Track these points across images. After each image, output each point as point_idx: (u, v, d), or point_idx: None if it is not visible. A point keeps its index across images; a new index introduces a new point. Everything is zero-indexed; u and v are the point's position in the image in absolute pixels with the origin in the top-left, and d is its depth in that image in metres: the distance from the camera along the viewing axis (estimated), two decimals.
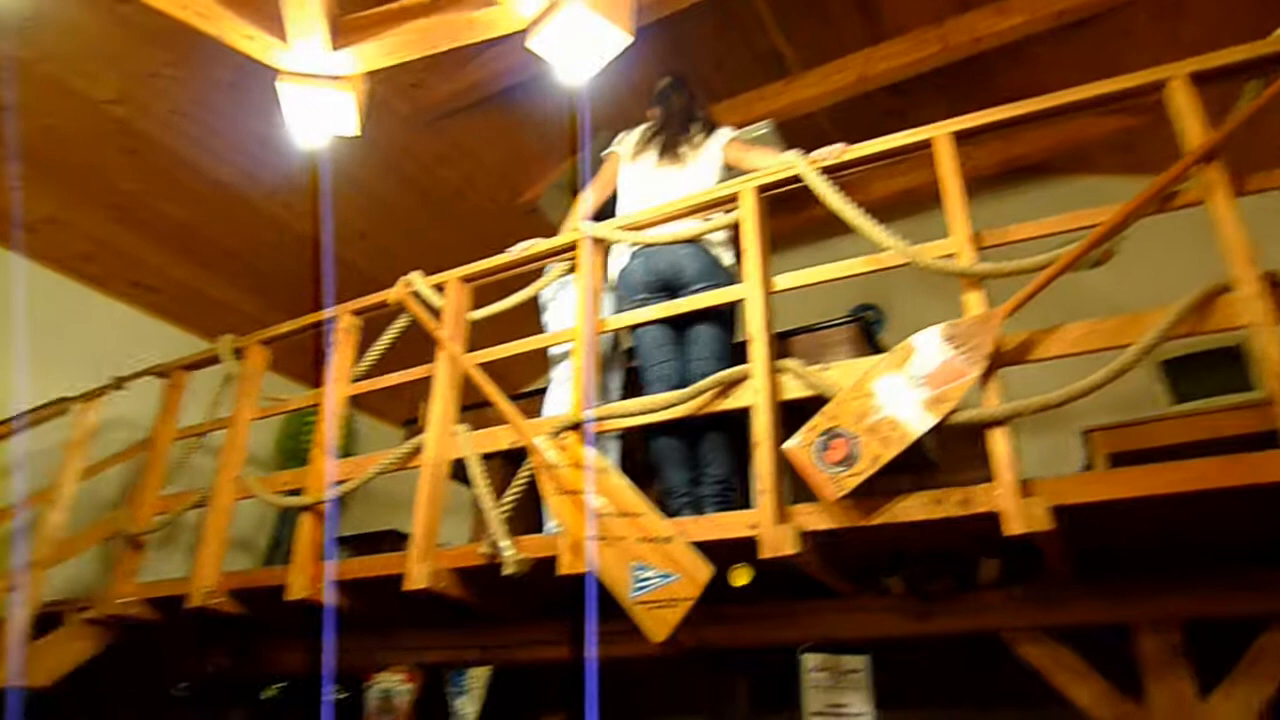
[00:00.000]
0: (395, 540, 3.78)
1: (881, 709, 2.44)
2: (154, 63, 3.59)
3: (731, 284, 2.60)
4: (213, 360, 3.55)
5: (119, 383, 3.71)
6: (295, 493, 3.00)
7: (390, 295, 3.05)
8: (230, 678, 3.50)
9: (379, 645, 3.03)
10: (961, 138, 2.33)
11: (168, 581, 3.25)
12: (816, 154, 2.47)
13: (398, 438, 3.48)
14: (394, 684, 2.93)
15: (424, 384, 2.95)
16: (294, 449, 4.44)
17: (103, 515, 3.77)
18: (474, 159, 4.43)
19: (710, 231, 2.63)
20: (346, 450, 3.41)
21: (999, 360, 2.03)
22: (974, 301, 2.14)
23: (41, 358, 3.96)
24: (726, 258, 2.79)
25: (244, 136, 3.93)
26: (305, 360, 3.55)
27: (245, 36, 2.27)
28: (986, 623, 2.36)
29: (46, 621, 3.25)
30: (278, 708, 3.54)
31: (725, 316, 2.71)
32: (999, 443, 1.97)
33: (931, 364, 2.07)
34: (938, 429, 2.02)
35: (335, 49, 2.19)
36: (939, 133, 2.34)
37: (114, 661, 3.34)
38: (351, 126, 2.31)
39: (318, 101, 2.28)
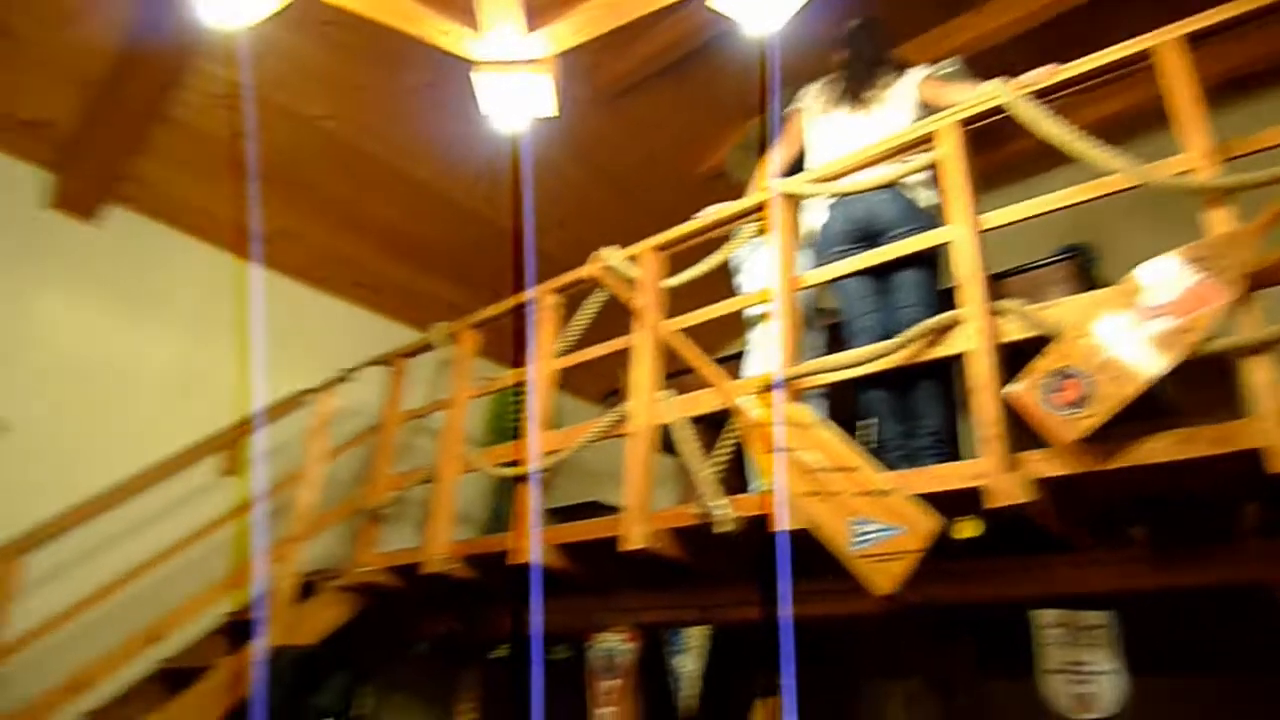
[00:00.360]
0: (598, 511, 3.91)
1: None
2: (358, 76, 3.90)
3: (932, 227, 2.50)
4: (428, 347, 3.82)
5: (346, 374, 4.06)
6: (511, 465, 3.19)
7: (587, 271, 3.16)
8: (462, 639, 3.76)
9: (599, 607, 3.15)
10: (1189, 41, 2.12)
11: (404, 551, 3.54)
12: (1022, 79, 2.32)
13: (594, 413, 3.59)
14: (615, 643, 3.05)
15: (617, 360, 3.05)
16: (501, 428, 4.70)
17: (344, 494, 4.17)
18: (655, 133, 4.48)
19: (909, 174, 2.53)
20: (553, 425, 3.57)
21: (1257, 280, 1.84)
22: (1219, 220, 1.94)
23: (281, 357, 4.42)
24: (924, 200, 2.68)
25: (442, 136, 4.18)
26: (505, 344, 3.74)
27: (442, 32, 2.41)
28: (1246, 574, 2.15)
29: (307, 589, 3.64)
30: (506, 666, 3.79)
31: (929, 261, 2.61)
32: (1259, 372, 1.79)
33: (1173, 292, 1.91)
34: (1180, 365, 1.86)
35: (528, 33, 2.29)
36: (1164, 39, 2.13)
37: (362, 624, 3.69)
38: (549, 108, 2.40)
39: (514, 87, 2.39)
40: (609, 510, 3.06)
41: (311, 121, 4.03)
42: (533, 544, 2.90)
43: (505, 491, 4.50)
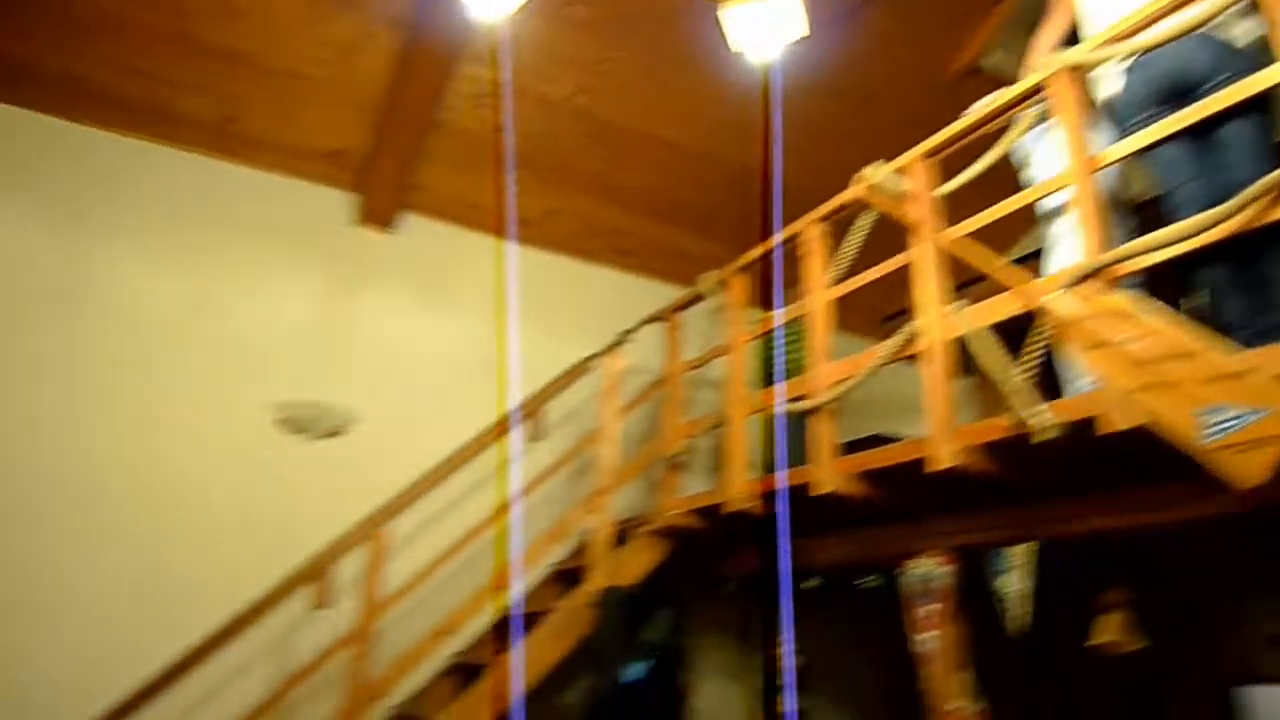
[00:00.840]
0: (883, 443, 3.83)
1: None
2: (598, 50, 4.06)
3: (1256, 68, 2.13)
4: (699, 298, 3.93)
5: (625, 335, 4.28)
6: (798, 400, 3.19)
7: (851, 194, 3.08)
8: (768, 574, 3.86)
9: (910, 534, 3.10)
10: None
11: (704, 494, 3.69)
12: None
13: (860, 347, 3.43)
14: (930, 568, 2.99)
15: (882, 287, 2.94)
16: (768, 373, 4.74)
17: (637, 448, 4.42)
18: (900, 40, 4.24)
19: (1218, 11, 2.16)
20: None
21: None
22: None
23: (561, 327, 4.77)
24: (1241, 38, 2.31)
25: (684, 92, 4.26)
26: (753, 287, 3.74)
27: None
28: None
29: (620, 537, 3.91)
30: (816, 598, 3.85)
31: (1259, 108, 2.23)
32: None
33: None
34: None
35: None
36: None
37: (671, 566, 3.90)
38: (800, 28, 2.36)
39: (762, 15, 2.37)
40: (894, 442, 2.98)
41: (562, 102, 4.26)
42: (847, 474, 2.89)
43: (788, 429, 4.55)
